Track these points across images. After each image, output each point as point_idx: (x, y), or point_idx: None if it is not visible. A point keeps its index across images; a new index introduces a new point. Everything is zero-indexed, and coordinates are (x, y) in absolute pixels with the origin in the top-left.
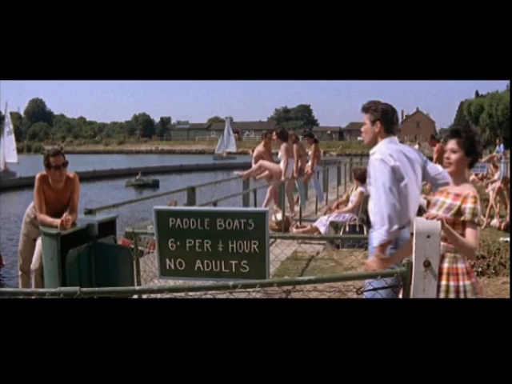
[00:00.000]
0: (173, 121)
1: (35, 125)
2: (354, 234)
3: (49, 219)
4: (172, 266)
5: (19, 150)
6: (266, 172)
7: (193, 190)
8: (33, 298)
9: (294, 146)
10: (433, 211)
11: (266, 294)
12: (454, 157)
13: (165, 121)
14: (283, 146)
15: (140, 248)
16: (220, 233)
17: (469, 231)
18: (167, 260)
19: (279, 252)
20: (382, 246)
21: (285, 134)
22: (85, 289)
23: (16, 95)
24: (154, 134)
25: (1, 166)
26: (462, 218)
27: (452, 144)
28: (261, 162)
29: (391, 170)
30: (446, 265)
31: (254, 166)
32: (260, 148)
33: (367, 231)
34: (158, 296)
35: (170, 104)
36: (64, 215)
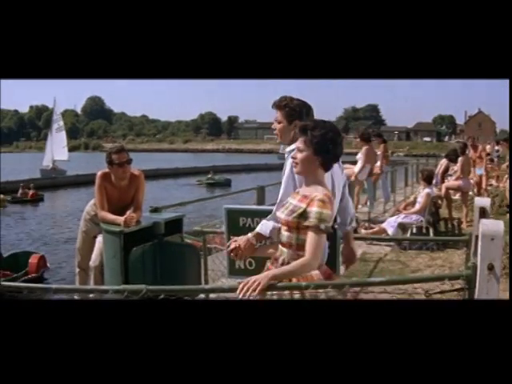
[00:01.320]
0: (240, 119)
1: (93, 122)
2: (421, 235)
3: (111, 216)
4: (241, 266)
5: (76, 148)
6: None
7: (262, 190)
8: (91, 295)
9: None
10: (278, 212)
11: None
12: (299, 156)
13: (232, 120)
14: (365, 148)
15: (208, 246)
16: None
17: (310, 237)
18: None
19: None
20: None
21: (367, 136)
22: (151, 287)
23: (72, 93)
24: (222, 132)
25: (49, 164)
26: (305, 223)
27: (299, 142)
28: None
29: None
30: None
31: None
32: None
33: (433, 233)
34: (228, 295)
35: (237, 103)
36: (128, 213)
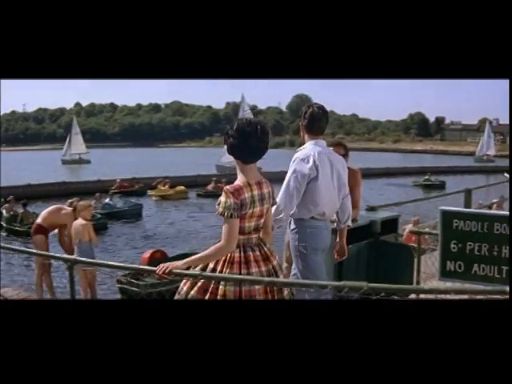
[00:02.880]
0: (446, 121)
1: (299, 120)
2: None
3: None
4: (452, 268)
5: (280, 145)
6: None
7: (469, 193)
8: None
9: None
10: None
11: None
12: None
13: (439, 120)
14: None
15: (422, 247)
16: (496, 237)
17: (223, 224)
18: (448, 262)
19: None
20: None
21: None
22: (372, 284)
23: (276, 91)
24: (430, 133)
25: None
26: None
27: None
28: None
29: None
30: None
31: None
32: None
33: None
34: (440, 297)
35: (444, 103)
36: None
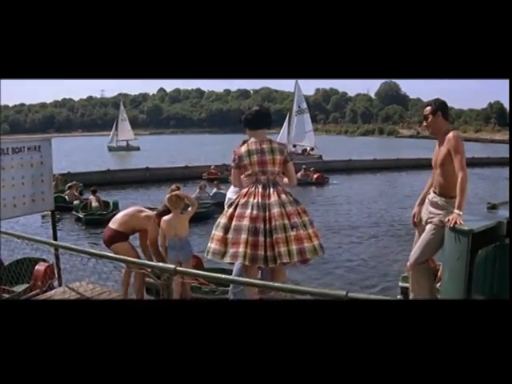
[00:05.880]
0: None
1: (388, 108)
2: None
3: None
4: None
5: (369, 132)
6: None
7: None
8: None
9: None
10: None
11: None
12: None
13: None
14: None
15: None
16: None
17: None
18: None
19: None
20: None
21: None
22: None
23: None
24: (506, 123)
25: (290, 148)
26: None
27: None
28: None
29: None
30: None
31: None
32: None
33: None
34: None
35: None
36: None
